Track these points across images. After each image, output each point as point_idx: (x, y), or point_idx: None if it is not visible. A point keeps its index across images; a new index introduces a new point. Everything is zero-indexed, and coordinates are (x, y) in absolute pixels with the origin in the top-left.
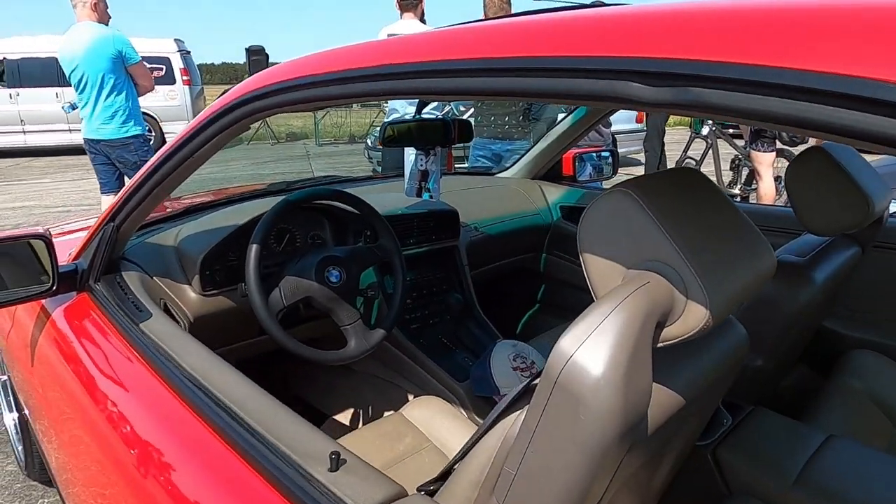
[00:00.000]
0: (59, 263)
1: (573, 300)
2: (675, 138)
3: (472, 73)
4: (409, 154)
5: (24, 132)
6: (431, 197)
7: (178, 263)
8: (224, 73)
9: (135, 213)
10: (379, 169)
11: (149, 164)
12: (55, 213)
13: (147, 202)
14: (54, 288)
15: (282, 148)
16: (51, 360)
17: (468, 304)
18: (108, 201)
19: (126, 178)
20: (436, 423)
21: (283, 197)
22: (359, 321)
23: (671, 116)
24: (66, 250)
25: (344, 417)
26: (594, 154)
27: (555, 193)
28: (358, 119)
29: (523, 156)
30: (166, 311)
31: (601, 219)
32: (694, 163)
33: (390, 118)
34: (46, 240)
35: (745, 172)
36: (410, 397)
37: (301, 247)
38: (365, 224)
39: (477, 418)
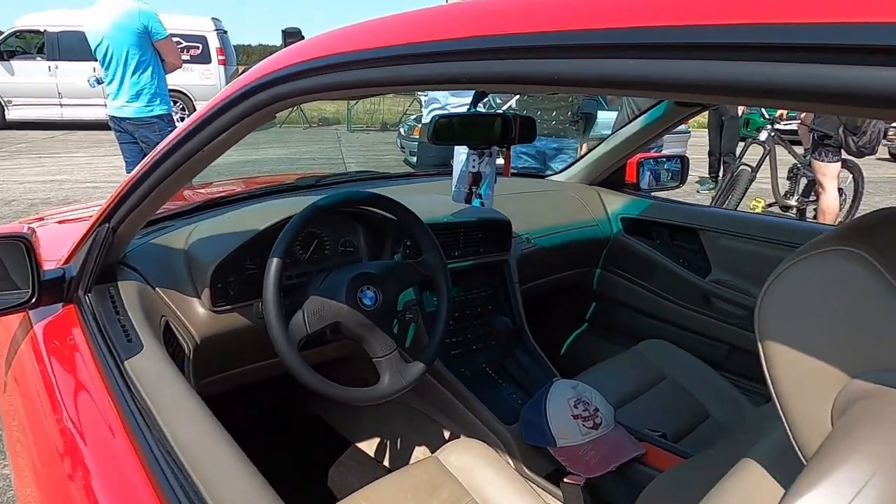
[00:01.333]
0: (51, 265)
1: (626, 321)
2: (701, 140)
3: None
4: (460, 153)
5: (62, 105)
6: (483, 204)
7: (188, 272)
8: (261, 55)
9: (134, 213)
10: (412, 160)
11: (150, 156)
12: (85, 189)
13: (148, 202)
14: (34, 300)
15: (313, 133)
16: (21, 385)
17: (517, 329)
18: None
19: None
20: (478, 473)
21: (312, 203)
22: (395, 353)
23: (695, 118)
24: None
25: (368, 447)
26: (662, 160)
27: (615, 203)
28: (391, 107)
29: (581, 157)
30: (167, 332)
31: (807, 296)
32: (749, 170)
33: (429, 109)
34: (26, 242)
35: (803, 183)
36: (446, 434)
37: (330, 255)
38: (405, 232)
39: (526, 471)
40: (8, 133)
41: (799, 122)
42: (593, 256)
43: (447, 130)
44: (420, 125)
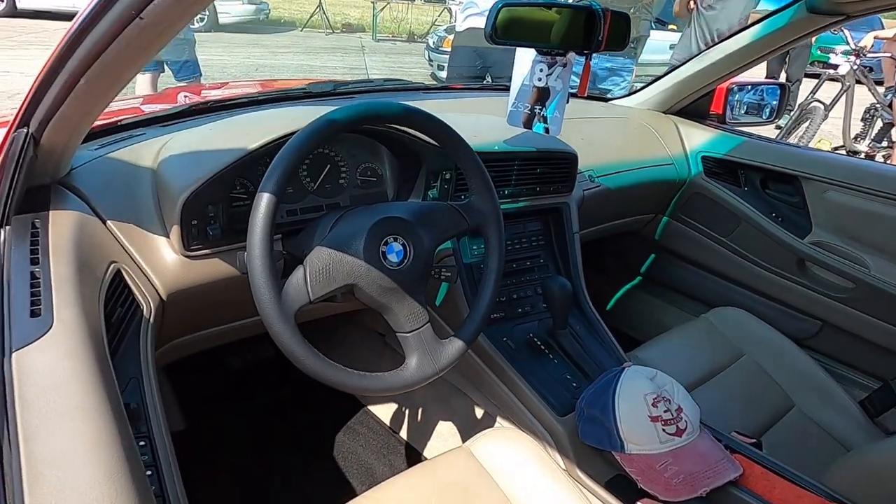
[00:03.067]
0: None
1: (691, 281)
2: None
3: None
4: (523, 59)
5: None
6: (547, 130)
7: (155, 200)
8: None
9: (58, 114)
10: (441, 75)
11: (71, 25)
12: None
13: (77, 97)
14: None
15: (336, 39)
16: None
17: (574, 292)
18: (143, 81)
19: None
20: (519, 473)
21: (325, 115)
22: (427, 327)
23: None
24: None
25: (383, 412)
26: (758, 87)
27: (697, 137)
28: (419, 16)
29: (658, 79)
30: (116, 284)
31: None
32: (822, 107)
33: (466, 15)
34: None
35: (878, 125)
36: (479, 414)
37: (346, 186)
38: (445, 163)
39: (581, 475)
40: (18, 22)
41: (888, 55)
42: (663, 201)
43: (515, 24)
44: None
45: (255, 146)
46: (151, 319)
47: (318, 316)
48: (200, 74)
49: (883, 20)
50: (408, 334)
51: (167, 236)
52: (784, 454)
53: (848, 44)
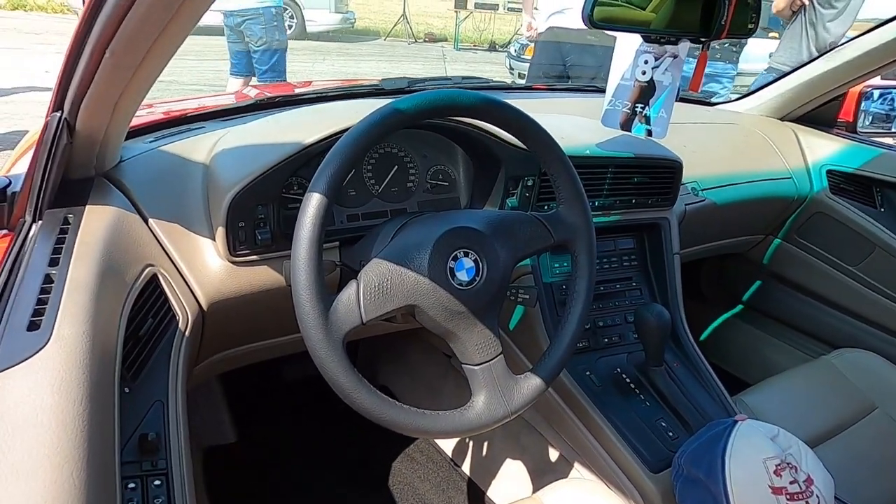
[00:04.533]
0: None
1: (807, 315)
2: None
3: None
4: (624, 48)
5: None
6: (650, 133)
7: (204, 197)
8: None
9: (92, 93)
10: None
11: None
12: (189, 90)
13: (104, 75)
14: None
15: (418, 48)
16: None
17: (672, 323)
18: (235, 84)
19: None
20: None
21: (391, 103)
22: (499, 359)
23: None
24: None
25: (446, 443)
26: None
27: (821, 149)
28: (501, 26)
29: (774, 82)
30: (149, 289)
31: None
32: None
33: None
34: None
35: None
36: (553, 457)
37: (414, 190)
38: (527, 168)
39: None
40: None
41: None
42: (775, 221)
43: (617, 4)
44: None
45: (312, 140)
46: (188, 332)
47: (375, 333)
48: (285, 77)
49: None
50: (476, 367)
51: (213, 238)
52: None
53: None
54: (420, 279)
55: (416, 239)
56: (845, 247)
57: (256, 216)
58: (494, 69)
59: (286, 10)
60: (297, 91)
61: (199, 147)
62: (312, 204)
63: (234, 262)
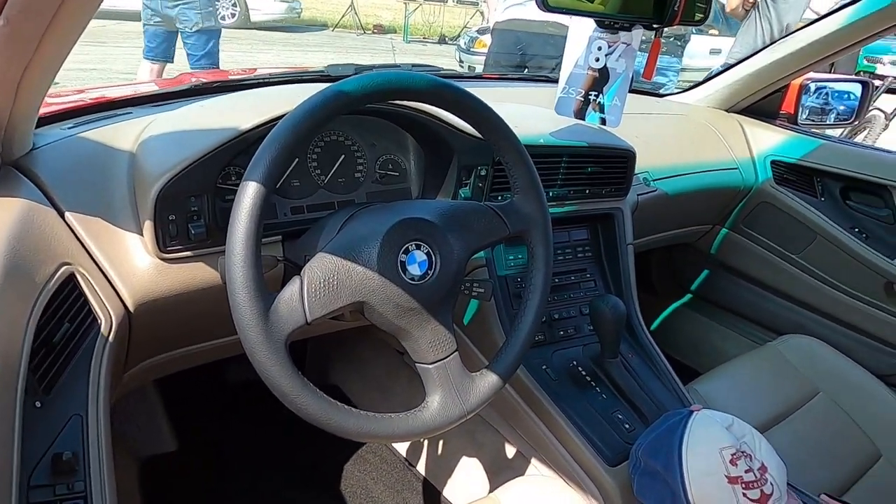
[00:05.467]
0: None
1: (752, 303)
2: None
3: None
4: (577, 34)
5: None
6: (604, 122)
7: (130, 188)
8: None
9: None
10: None
11: None
12: (123, 78)
13: (4, 44)
14: None
15: (367, 40)
16: None
17: (627, 314)
18: (146, 69)
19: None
20: None
21: (334, 85)
22: (454, 357)
23: None
24: None
25: (401, 446)
26: (834, 85)
27: (766, 140)
28: (451, 19)
29: (720, 73)
30: (65, 291)
31: None
32: (883, 116)
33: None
34: None
35: None
36: (510, 454)
37: (363, 180)
38: (480, 157)
39: None
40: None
41: None
42: (723, 211)
43: None
44: (483, 37)
45: (249, 125)
46: (111, 337)
47: (323, 332)
48: (218, 65)
49: None
50: (430, 366)
51: (140, 234)
52: None
53: None
54: (369, 274)
55: (365, 231)
56: (789, 236)
57: (189, 208)
58: (445, 62)
59: None
60: (237, 77)
61: (124, 133)
62: (248, 194)
63: (164, 259)
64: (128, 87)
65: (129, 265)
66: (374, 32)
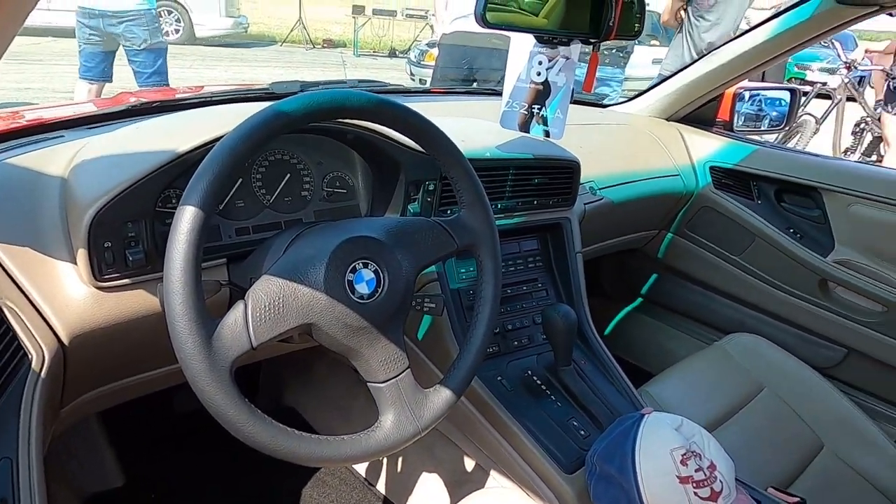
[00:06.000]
0: None
1: (699, 304)
2: None
3: None
4: (519, 49)
5: (49, 10)
6: (548, 134)
7: (62, 215)
8: None
9: None
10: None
11: None
12: (62, 98)
13: None
14: None
15: (316, 54)
16: None
17: (578, 322)
18: (84, 89)
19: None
20: None
21: (273, 105)
22: (405, 374)
23: None
24: None
25: (360, 465)
26: (765, 92)
27: (704, 146)
28: (400, 32)
29: (659, 83)
30: None
31: None
32: (813, 120)
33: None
34: None
35: (867, 139)
36: (469, 467)
37: (310, 199)
38: (427, 172)
39: None
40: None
41: (881, 68)
42: (667, 216)
43: (509, 5)
44: (433, 50)
45: (188, 147)
46: (44, 373)
47: (273, 354)
48: (167, 83)
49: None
50: (382, 385)
51: (74, 262)
52: None
53: (840, 57)
54: (316, 295)
55: (311, 251)
56: (729, 238)
57: (126, 234)
58: (396, 75)
59: (171, 12)
60: (181, 95)
61: (55, 158)
62: (185, 219)
63: (100, 288)
64: (63, 107)
65: (62, 296)
66: (323, 47)
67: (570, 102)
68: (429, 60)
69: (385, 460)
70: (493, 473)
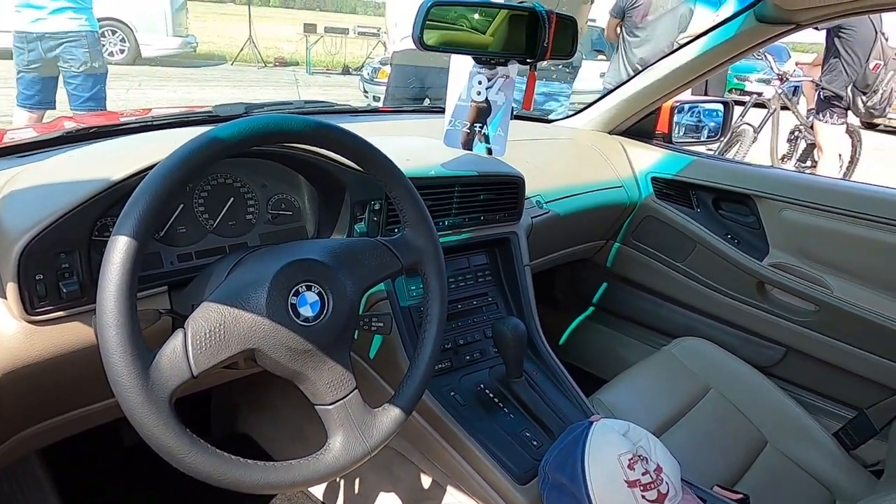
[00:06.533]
0: None
1: (647, 310)
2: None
3: None
4: (459, 70)
5: None
6: (490, 151)
7: None
8: None
9: None
10: (377, 106)
11: None
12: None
13: None
14: None
15: (268, 73)
16: None
17: (528, 334)
18: (23, 117)
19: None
20: None
21: (209, 132)
22: (353, 395)
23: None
24: None
25: (317, 488)
26: (700, 105)
27: (645, 158)
28: (353, 50)
29: (601, 98)
30: None
31: None
32: (751, 129)
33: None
34: None
35: (802, 146)
36: (426, 483)
37: (255, 222)
38: (372, 191)
39: None
40: None
41: (810, 79)
42: (613, 226)
43: (448, 28)
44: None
45: (121, 176)
46: None
47: (219, 382)
48: (104, 108)
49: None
50: (330, 407)
51: (3, 297)
52: (766, 503)
53: (772, 69)
54: (258, 320)
55: (252, 276)
56: (673, 246)
57: (59, 265)
58: (350, 92)
59: (115, 32)
60: (122, 120)
61: None
62: (118, 249)
63: (33, 322)
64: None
65: None
66: (275, 65)
67: (517, 118)
68: (382, 77)
69: (342, 481)
70: (449, 489)
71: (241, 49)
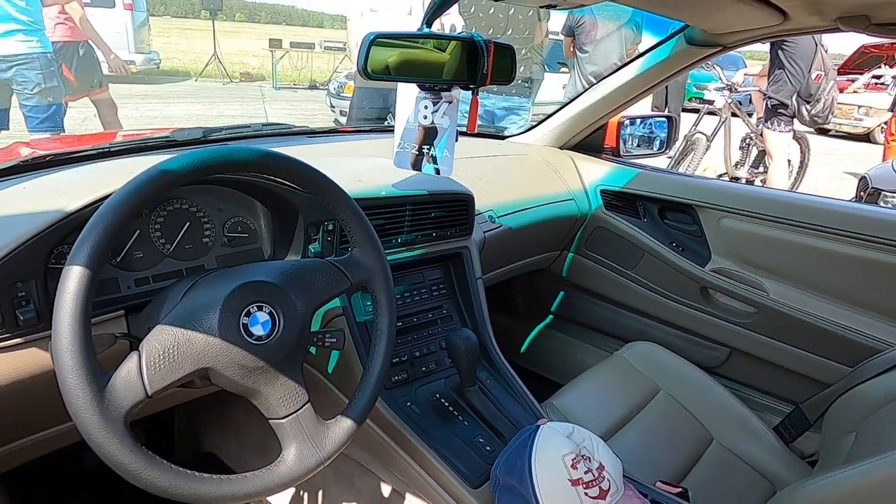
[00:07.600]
0: None
1: (601, 316)
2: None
3: None
4: (405, 95)
5: None
6: (438, 171)
7: None
8: (179, 7)
9: None
10: (343, 121)
11: None
12: None
13: None
14: None
15: (234, 88)
16: None
17: (482, 344)
18: None
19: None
20: None
21: (157, 164)
22: (305, 408)
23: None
24: None
25: (279, 498)
26: (646, 120)
27: (594, 172)
28: (320, 64)
29: (552, 115)
30: None
31: None
32: (704, 138)
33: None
34: None
35: (754, 153)
36: (386, 492)
37: (211, 245)
38: (324, 213)
39: None
40: None
41: (756, 89)
42: (566, 237)
43: (391, 59)
44: (352, 82)
45: (75, 207)
46: None
47: (176, 402)
48: (62, 129)
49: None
50: (283, 420)
51: None
52: (711, 495)
53: (720, 80)
54: (210, 340)
55: (205, 299)
56: (623, 254)
57: (15, 294)
58: (316, 107)
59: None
60: (78, 147)
61: None
62: (71, 277)
63: None
64: None
65: None
66: (241, 81)
67: (473, 136)
68: (348, 92)
69: (305, 494)
70: (408, 497)
71: (207, 64)
